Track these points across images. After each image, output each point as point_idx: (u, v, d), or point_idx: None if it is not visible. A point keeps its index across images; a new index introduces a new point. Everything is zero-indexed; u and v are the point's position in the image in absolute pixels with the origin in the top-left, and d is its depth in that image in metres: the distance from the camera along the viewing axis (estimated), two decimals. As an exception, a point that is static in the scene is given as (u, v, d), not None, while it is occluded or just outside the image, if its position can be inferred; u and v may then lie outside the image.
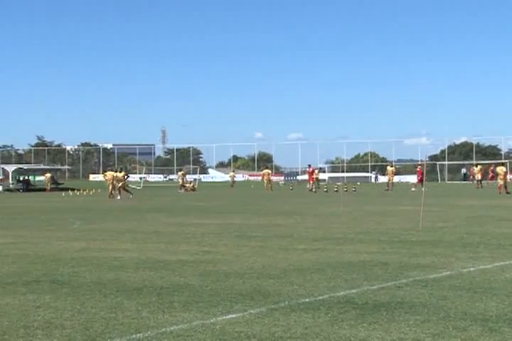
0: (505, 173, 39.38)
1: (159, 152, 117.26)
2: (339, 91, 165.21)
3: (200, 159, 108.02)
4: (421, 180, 47.46)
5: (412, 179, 71.98)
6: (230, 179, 63.39)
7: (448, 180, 72.68)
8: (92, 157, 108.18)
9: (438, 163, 76.57)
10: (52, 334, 6.65)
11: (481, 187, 47.54)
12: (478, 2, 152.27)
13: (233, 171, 70.88)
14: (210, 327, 6.83)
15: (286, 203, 30.58)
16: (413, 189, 45.44)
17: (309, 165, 52.94)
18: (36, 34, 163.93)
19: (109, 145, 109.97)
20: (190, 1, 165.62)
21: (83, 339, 6.47)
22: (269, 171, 53.25)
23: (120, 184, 38.02)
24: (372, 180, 74.78)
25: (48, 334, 6.65)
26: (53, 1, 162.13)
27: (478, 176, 49.33)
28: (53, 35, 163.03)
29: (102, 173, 50.73)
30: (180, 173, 51.91)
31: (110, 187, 38.83)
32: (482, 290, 8.58)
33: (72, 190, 49.09)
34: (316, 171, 51.52)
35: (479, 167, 50.78)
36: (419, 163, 59.93)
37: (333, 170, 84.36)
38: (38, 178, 60.69)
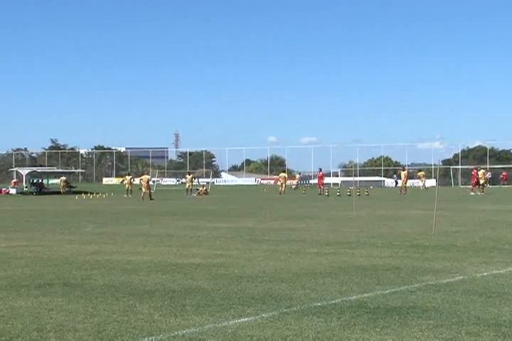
0: None
1: (172, 155, 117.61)
2: (353, 95, 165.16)
3: (213, 163, 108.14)
4: (476, 184, 46.77)
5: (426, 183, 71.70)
6: (279, 183, 51.24)
7: (461, 185, 72.39)
8: (106, 160, 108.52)
9: (451, 167, 76.29)
10: (65, 337, 6.66)
11: (482, 191, 46.77)
12: (499, 5, 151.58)
13: (284, 171, 59.29)
14: (222, 330, 6.83)
15: (298, 207, 30.54)
16: (472, 193, 44.92)
17: (320, 169, 52.92)
18: (50, 38, 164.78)
19: (123, 149, 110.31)
20: (203, 4, 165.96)
21: (95, 342, 6.50)
22: (285, 175, 53.32)
23: None
24: (392, 184, 73.48)
25: (61, 337, 6.67)
26: (68, 5, 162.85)
27: (481, 180, 48.86)
28: (67, 39, 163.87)
29: (133, 177, 51.47)
30: (189, 177, 51.62)
31: (144, 190, 40.59)
32: (495, 295, 8.54)
33: (86, 193, 49.27)
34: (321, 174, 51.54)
35: (482, 171, 50.12)
36: (475, 166, 58.52)
37: (346, 174, 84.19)
38: (51, 181, 60.91)
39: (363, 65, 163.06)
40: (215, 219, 22.73)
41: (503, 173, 70.16)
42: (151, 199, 39.10)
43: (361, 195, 42.55)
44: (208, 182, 62.63)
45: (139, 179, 47.78)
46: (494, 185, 66.33)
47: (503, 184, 68.41)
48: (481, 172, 49.60)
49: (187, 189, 49.66)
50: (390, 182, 75.47)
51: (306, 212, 26.50)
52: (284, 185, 50.35)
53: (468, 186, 67.24)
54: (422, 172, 57.76)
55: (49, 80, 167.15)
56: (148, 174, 45.12)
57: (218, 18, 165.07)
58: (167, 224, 20.62)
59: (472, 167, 56.36)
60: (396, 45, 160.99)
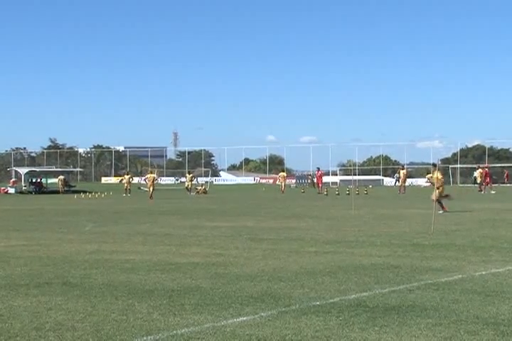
0: None
1: (171, 155, 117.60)
2: (352, 94, 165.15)
3: (212, 162, 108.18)
4: (488, 183, 46.96)
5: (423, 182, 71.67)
6: (280, 182, 52.32)
7: (460, 183, 72.41)
8: (104, 159, 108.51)
9: (450, 166, 76.24)
10: (64, 336, 6.66)
11: (480, 190, 46.71)
12: (498, 4, 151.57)
13: (283, 170, 58.42)
14: (221, 329, 6.83)
15: (297, 206, 30.55)
16: (492, 192, 44.91)
17: (318, 168, 53.06)
18: (49, 37, 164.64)
19: (121, 148, 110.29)
20: (203, 3, 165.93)
21: (94, 341, 6.50)
22: (284, 174, 53.42)
23: None
24: (392, 183, 73.08)
25: (60, 336, 6.67)
26: (67, 5, 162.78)
27: (479, 179, 48.80)
28: (65, 38, 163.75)
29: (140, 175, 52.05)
30: (189, 176, 51.57)
31: (151, 189, 41.16)
32: (494, 293, 8.55)
33: (84, 192, 49.27)
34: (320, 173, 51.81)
35: (479, 170, 50.01)
36: (483, 165, 57.49)
37: (345, 173, 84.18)
38: (50, 181, 60.89)
39: (362, 64, 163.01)
40: (214, 218, 22.73)
41: (506, 172, 69.98)
42: (150, 198, 39.15)
43: (360, 194, 42.54)
44: (206, 182, 62.65)
45: (143, 178, 48.16)
46: (494, 183, 66.27)
47: (504, 182, 68.27)
48: (478, 172, 49.63)
49: (187, 187, 49.73)
50: (389, 181, 75.31)
51: (306, 211, 26.51)
52: (283, 184, 50.49)
53: (466, 185, 67.50)
54: (431, 175, 57.24)
55: (48, 80, 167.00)
56: (153, 173, 45.35)
57: (218, 18, 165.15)
58: (166, 223, 20.62)
59: (482, 166, 55.82)
60: (395, 45, 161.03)
